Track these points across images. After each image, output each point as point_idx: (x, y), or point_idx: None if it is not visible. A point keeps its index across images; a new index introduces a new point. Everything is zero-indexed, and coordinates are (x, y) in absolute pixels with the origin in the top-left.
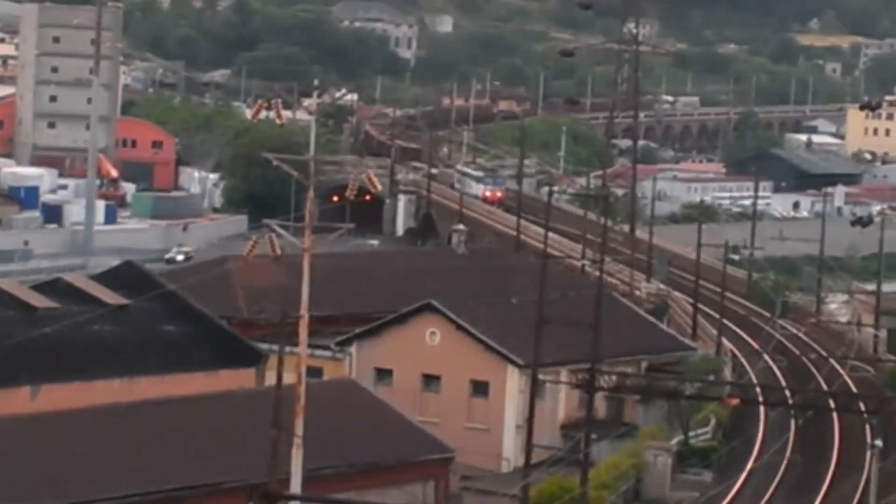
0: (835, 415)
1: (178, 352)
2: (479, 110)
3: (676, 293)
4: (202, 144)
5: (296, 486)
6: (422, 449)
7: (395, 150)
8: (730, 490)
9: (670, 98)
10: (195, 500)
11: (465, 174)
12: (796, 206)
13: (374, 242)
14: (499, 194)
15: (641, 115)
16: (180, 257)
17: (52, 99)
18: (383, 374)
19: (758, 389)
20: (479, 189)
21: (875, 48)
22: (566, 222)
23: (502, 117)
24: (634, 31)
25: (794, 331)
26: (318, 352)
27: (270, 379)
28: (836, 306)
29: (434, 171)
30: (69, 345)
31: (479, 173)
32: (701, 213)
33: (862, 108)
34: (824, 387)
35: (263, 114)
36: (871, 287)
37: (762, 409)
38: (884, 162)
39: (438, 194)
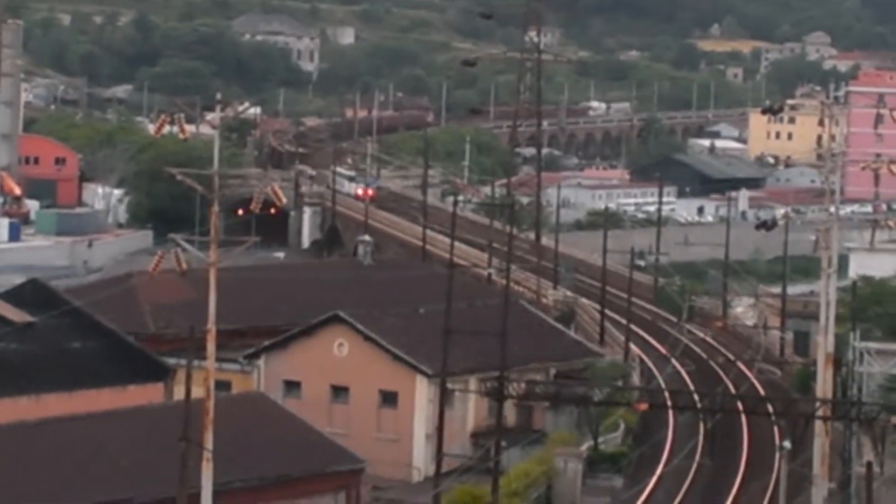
0: (743, 417)
1: (85, 368)
2: (410, 120)
3: (583, 300)
4: (106, 160)
5: (206, 501)
6: (332, 460)
7: (296, 161)
8: (640, 495)
9: (603, 105)
10: None
11: (339, 174)
12: (701, 210)
13: (280, 255)
14: (370, 192)
15: (545, 123)
16: None
17: None
18: (292, 387)
19: (666, 394)
20: (351, 187)
21: (776, 52)
22: (472, 232)
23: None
24: (536, 39)
25: (701, 335)
26: (226, 365)
27: (179, 393)
28: (743, 310)
29: (313, 172)
30: None
31: (352, 173)
32: (606, 220)
33: (764, 112)
34: (732, 390)
35: (167, 128)
36: (777, 290)
37: (671, 413)
38: (787, 165)
39: (343, 206)
